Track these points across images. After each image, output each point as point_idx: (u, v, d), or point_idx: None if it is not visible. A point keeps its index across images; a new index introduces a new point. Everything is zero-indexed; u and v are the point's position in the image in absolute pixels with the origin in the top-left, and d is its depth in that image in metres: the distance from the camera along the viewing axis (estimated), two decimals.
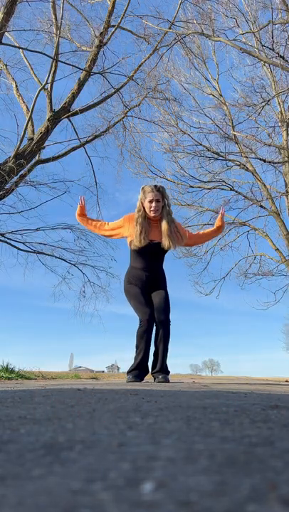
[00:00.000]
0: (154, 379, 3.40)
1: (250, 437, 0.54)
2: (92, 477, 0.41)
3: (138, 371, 3.36)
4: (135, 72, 7.94)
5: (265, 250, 11.29)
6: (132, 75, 7.88)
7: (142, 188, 3.55)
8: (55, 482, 0.39)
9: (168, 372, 3.44)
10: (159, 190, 3.51)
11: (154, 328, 3.46)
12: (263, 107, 8.41)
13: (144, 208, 3.50)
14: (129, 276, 3.60)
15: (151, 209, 3.46)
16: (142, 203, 3.51)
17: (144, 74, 8.27)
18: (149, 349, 3.41)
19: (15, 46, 7.42)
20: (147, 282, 3.54)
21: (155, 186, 3.53)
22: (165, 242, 3.45)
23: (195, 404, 0.97)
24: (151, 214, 3.48)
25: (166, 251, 3.57)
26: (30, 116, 7.09)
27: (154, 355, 3.46)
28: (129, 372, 3.40)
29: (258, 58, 7.82)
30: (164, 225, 3.47)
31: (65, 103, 7.42)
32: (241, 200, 10.75)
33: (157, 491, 0.36)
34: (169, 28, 7.87)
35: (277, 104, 10.42)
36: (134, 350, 3.41)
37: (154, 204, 3.46)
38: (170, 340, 3.47)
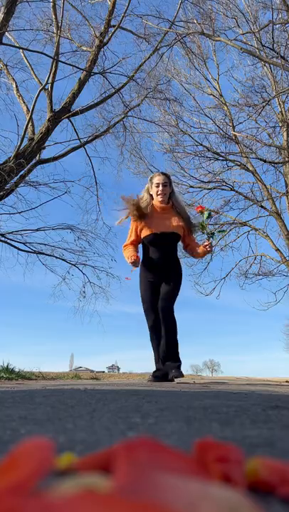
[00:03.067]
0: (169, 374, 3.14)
1: (250, 438, 0.54)
2: None
3: (158, 371, 3.25)
4: (135, 72, 7.94)
5: (265, 250, 11.31)
6: (133, 75, 7.88)
7: (150, 177, 3.52)
8: None
9: (177, 361, 3.18)
10: (166, 175, 3.49)
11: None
12: (264, 107, 8.40)
13: (150, 195, 3.43)
14: (142, 269, 3.44)
15: (158, 193, 3.35)
16: (149, 190, 3.45)
17: (145, 74, 8.28)
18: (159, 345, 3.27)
19: (15, 46, 7.42)
20: (160, 274, 3.36)
21: (162, 172, 3.54)
22: (181, 225, 3.47)
23: (195, 404, 0.97)
24: (159, 198, 3.36)
25: (178, 240, 3.48)
26: (31, 117, 7.08)
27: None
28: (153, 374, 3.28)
29: (259, 58, 7.82)
30: (178, 206, 3.50)
31: (65, 103, 7.42)
32: (242, 200, 10.75)
33: None
34: (170, 28, 7.87)
35: (277, 105, 10.41)
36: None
37: (161, 188, 3.35)
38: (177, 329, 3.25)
